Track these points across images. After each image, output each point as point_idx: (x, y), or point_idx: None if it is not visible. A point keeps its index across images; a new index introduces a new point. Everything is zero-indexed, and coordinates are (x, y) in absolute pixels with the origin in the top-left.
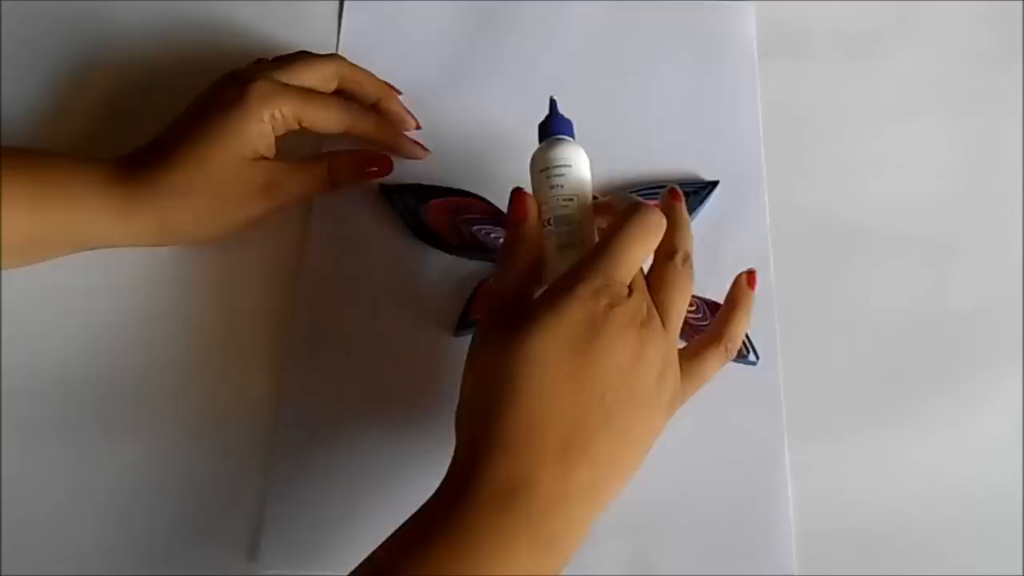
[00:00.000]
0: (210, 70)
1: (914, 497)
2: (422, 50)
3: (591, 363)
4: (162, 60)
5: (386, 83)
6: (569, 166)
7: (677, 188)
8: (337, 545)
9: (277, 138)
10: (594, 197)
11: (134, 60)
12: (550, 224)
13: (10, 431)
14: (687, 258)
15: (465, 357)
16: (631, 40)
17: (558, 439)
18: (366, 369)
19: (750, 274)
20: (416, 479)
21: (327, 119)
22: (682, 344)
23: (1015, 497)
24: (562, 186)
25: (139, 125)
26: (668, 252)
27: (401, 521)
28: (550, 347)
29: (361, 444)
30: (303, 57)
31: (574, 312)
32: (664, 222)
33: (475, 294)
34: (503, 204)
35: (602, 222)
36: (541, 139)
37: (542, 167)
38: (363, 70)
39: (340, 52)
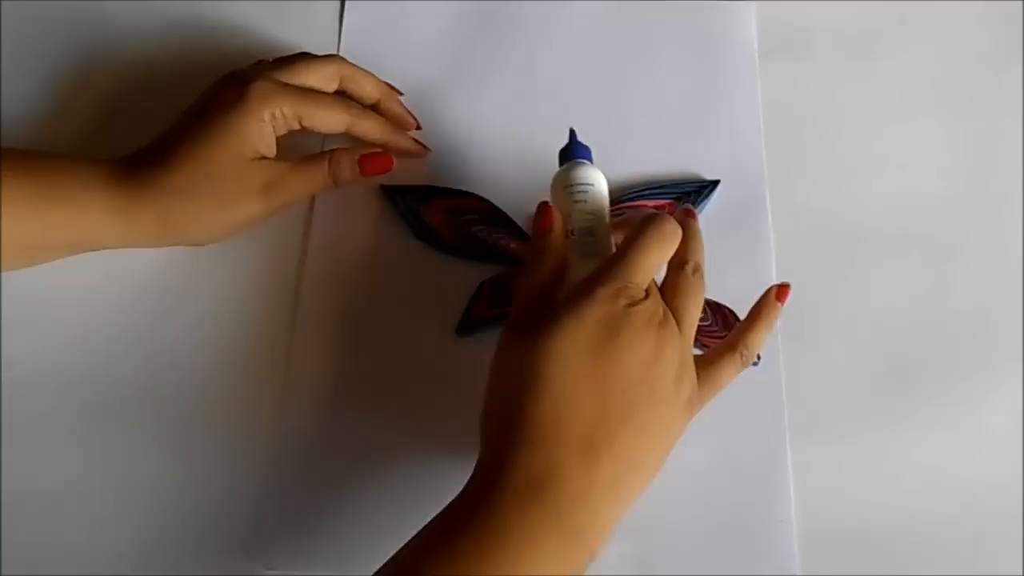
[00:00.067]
0: (211, 70)
1: (915, 497)
2: (423, 50)
3: (612, 360)
4: (162, 60)
5: (387, 83)
6: (592, 185)
7: (691, 207)
8: (337, 545)
9: (278, 138)
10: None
11: (135, 61)
12: (573, 235)
13: (11, 432)
14: (698, 269)
15: (466, 358)
16: (631, 40)
17: (582, 435)
18: (367, 369)
19: (781, 288)
20: (417, 479)
21: (327, 118)
22: (696, 352)
23: (1015, 497)
24: (585, 201)
25: (140, 126)
26: (680, 262)
27: (401, 520)
28: (572, 346)
29: (362, 444)
30: (304, 58)
31: (594, 312)
32: (679, 231)
33: (477, 294)
34: (505, 205)
35: (618, 237)
36: (562, 162)
37: (566, 184)
38: (363, 71)
39: (341, 52)
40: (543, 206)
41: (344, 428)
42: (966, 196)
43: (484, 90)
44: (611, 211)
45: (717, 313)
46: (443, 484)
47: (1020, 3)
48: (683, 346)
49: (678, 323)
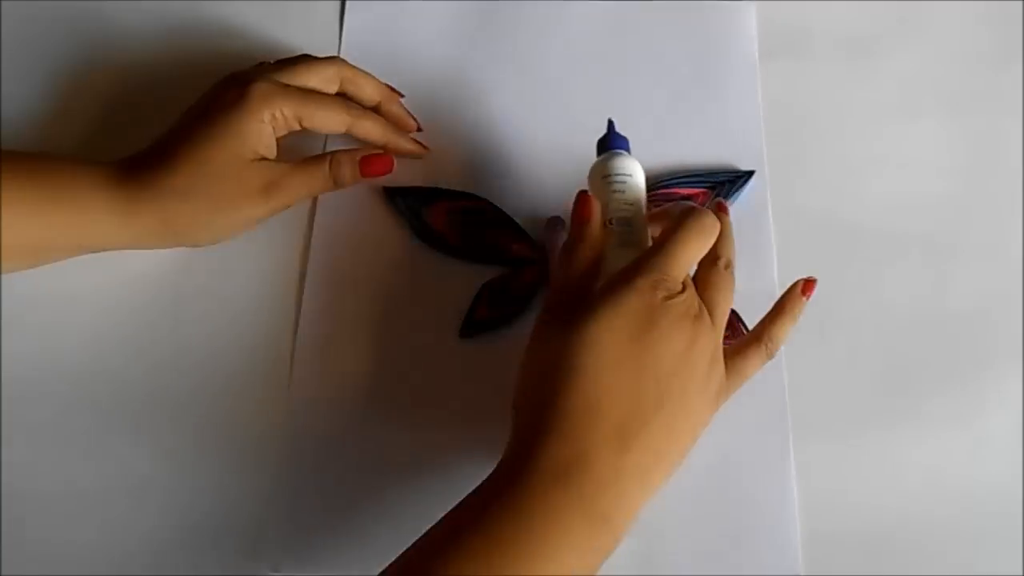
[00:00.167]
0: (211, 72)
1: (917, 496)
2: (424, 51)
3: (647, 350)
4: (163, 62)
5: (387, 85)
6: (630, 175)
7: (724, 201)
8: (343, 546)
9: (278, 139)
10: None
11: (135, 62)
12: (611, 224)
13: (13, 433)
14: (729, 264)
15: (469, 359)
16: (632, 40)
17: (613, 421)
18: (372, 371)
19: (808, 282)
20: (422, 480)
21: (327, 119)
22: None
23: (1016, 496)
24: (623, 192)
25: (140, 127)
26: (712, 258)
27: (406, 521)
28: (608, 334)
29: (366, 445)
30: (304, 60)
31: (632, 302)
32: (718, 226)
33: (479, 296)
34: (506, 206)
35: (655, 230)
36: (600, 152)
37: (604, 174)
38: (364, 72)
39: (342, 53)
40: (582, 195)
41: (349, 430)
42: (966, 196)
43: (485, 91)
44: (648, 194)
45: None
46: (448, 484)
47: (1020, 3)
48: (715, 339)
49: (712, 311)
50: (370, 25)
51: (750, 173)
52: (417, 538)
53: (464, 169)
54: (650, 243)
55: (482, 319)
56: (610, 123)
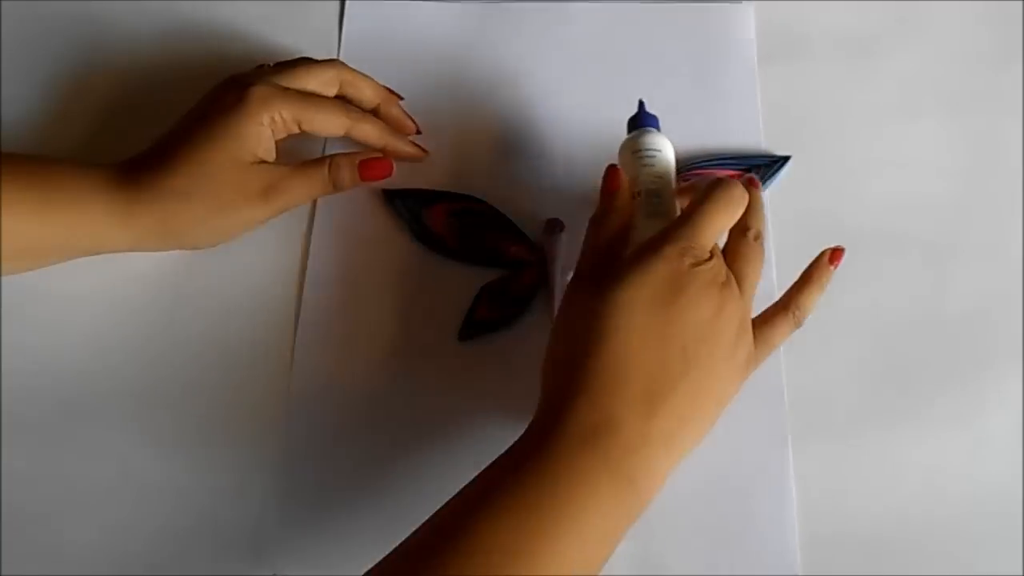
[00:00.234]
0: (211, 74)
1: (916, 497)
2: (423, 53)
3: (674, 317)
4: (163, 64)
5: (386, 88)
6: (660, 151)
7: (755, 176)
8: (342, 547)
9: (277, 142)
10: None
11: (135, 65)
12: (639, 196)
13: (14, 433)
14: (759, 236)
15: (468, 361)
16: (631, 42)
17: (640, 386)
18: (371, 373)
19: (835, 251)
20: (420, 479)
21: (326, 122)
22: None
23: (1016, 497)
24: (653, 166)
25: (140, 130)
26: (742, 229)
27: (406, 522)
28: (637, 299)
29: (365, 447)
30: (304, 63)
31: (660, 269)
32: (746, 197)
33: (479, 298)
34: (505, 208)
35: (684, 203)
36: (630, 130)
37: (634, 150)
38: (363, 75)
39: (341, 55)
40: (611, 168)
41: (348, 432)
42: (966, 197)
43: (484, 92)
44: (678, 179)
45: None
46: (447, 485)
47: (1020, 3)
48: (743, 308)
49: (739, 286)
50: (370, 27)
51: (786, 158)
52: (451, 497)
53: (463, 171)
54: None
55: (481, 321)
56: (641, 103)
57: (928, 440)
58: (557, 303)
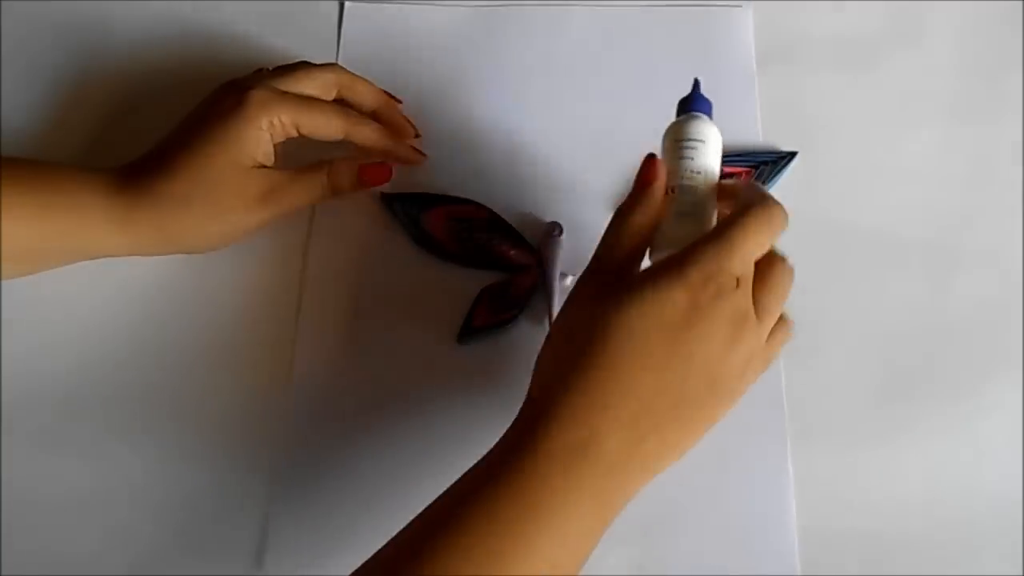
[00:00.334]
0: (210, 78)
1: (915, 501)
2: (422, 56)
3: (682, 349)
4: (162, 69)
5: (385, 92)
6: (704, 142)
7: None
8: (340, 548)
9: (276, 146)
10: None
11: (133, 69)
12: (673, 192)
13: (14, 437)
14: (791, 263)
15: (467, 365)
16: (630, 46)
17: (631, 410)
18: (371, 376)
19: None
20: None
21: (325, 126)
22: None
23: (1016, 503)
24: (693, 159)
25: (139, 134)
26: (777, 255)
27: (405, 524)
28: (648, 322)
29: (366, 449)
30: (302, 67)
31: (677, 295)
32: (787, 219)
33: (478, 302)
34: (504, 211)
35: (724, 208)
36: (679, 113)
37: (676, 138)
38: (362, 79)
39: (340, 58)
40: (650, 158)
41: (348, 435)
42: (966, 203)
43: (483, 96)
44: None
45: None
46: (445, 487)
47: (1020, 11)
48: (758, 341)
49: (760, 313)
50: (368, 30)
51: (793, 154)
52: (431, 502)
53: (462, 175)
54: (714, 220)
55: (480, 325)
56: (696, 82)
57: (927, 443)
58: (556, 307)
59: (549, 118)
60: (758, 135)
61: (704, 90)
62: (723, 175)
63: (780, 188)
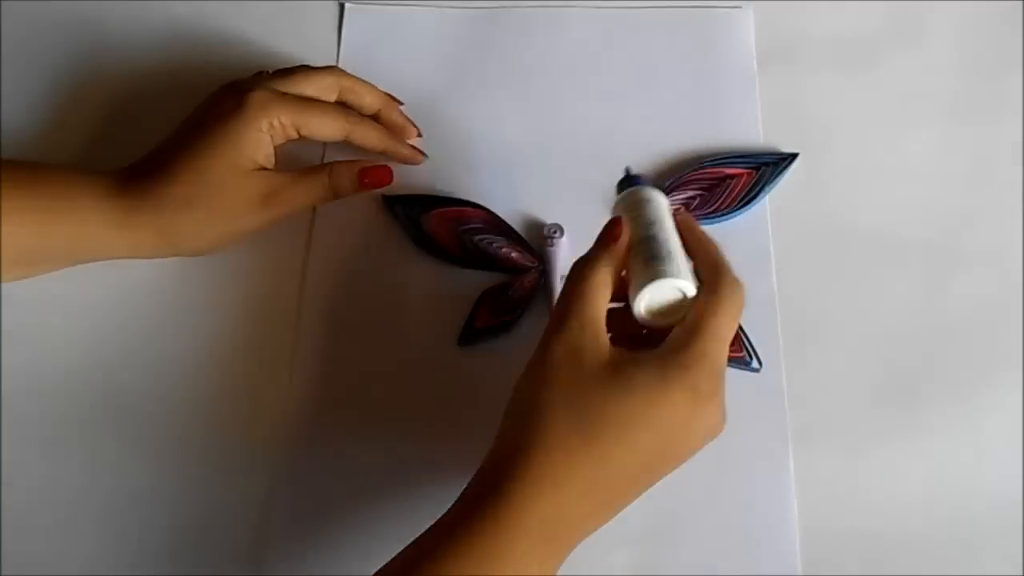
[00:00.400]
0: (209, 80)
1: (917, 499)
2: (423, 58)
3: (668, 447)
4: (161, 71)
5: (386, 93)
6: (650, 201)
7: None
8: (339, 552)
9: (277, 148)
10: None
11: (133, 72)
12: (636, 246)
13: (14, 440)
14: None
15: (468, 367)
16: (630, 46)
17: (605, 486)
18: (371, 379)
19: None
20: (420, 485)
21: (326, 127)
22: None
23: (1017, 505)
24: (643, 214)
25: (139, 137)
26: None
27: (403, 528)
28: (648, 412)
29: (365, 453)
30: (303, 70)
31: (679, 398)
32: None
33: (479, 304)
34: (504, 213)
35: (689, 236)
36: (620, 191)
37: (625, 204)
38: (363, 82)
39: (340, 60)
40: (615, 220)
41: (349, 437)
42: (966, 203)
43: (484, 98)
44: (688, 174)
45: None
46: (446, 492)
47: (1020, 11)
48: (720, 423)
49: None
50: (368, 32)
51: (794, 155)
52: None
53: (463, 176)
54: (682, 253)
55: (481, 327)
56: (627, 170)
57: (928, 444)
58: None
59: (550, 119)
60: (759, 136)
61: (705, 91)
62: (725, 176)
63: (781, 189)
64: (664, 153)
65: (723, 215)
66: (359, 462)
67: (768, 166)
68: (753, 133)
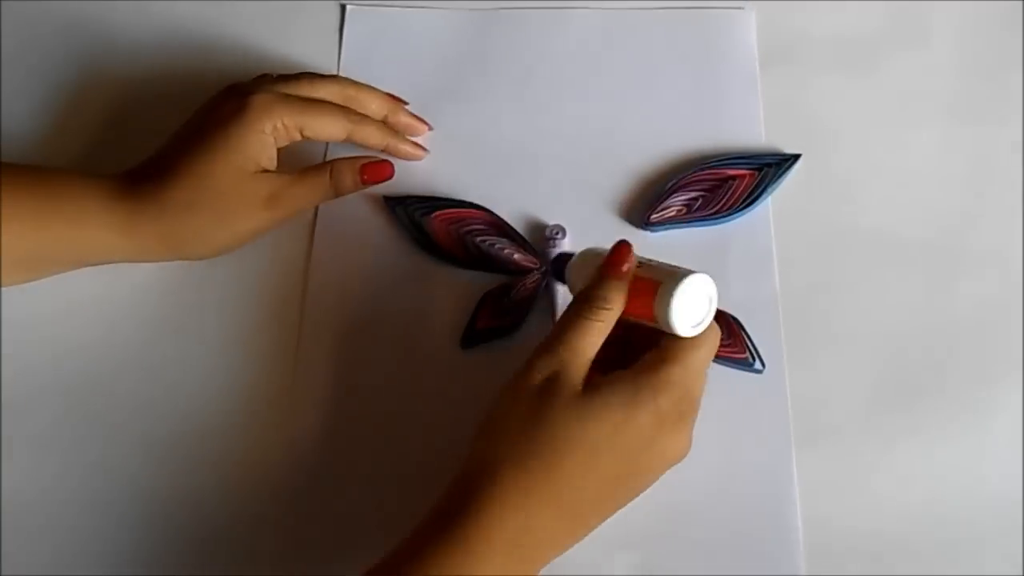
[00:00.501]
0: (211, 82)
1: (919, 501)
2: (424, 58)
3: (634, 468)
4: (163, 73)
5: (390, 96)
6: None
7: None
8: (342, 553)
9: (279, 150)
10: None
11: (134, 75)
12: (641, 269)
13: (15, 441)
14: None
15: (470, 369)
16: (632, 48)
17: (572, 505)
18: (372, 381)
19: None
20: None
21: (328, 128)
22: None
23: (1017, 503)
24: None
25: (140, 139)
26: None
27: (405, 529)
28: (615, 442)
29: (369, 452)
30: (307, 76)
31: (645, 420)
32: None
33: (481, 306)
34: (506, 214)
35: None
36: (564, 275)
37: (585, 259)
38: (367, 89)
39: (342, 61)
40: (622, 243)
41: (350, 438)
42: (968, 204)
43: (486, 98)
44: (691, 175)
45: (722, 322)
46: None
47: (1021, 11)
48: (687, 441)
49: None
50: (370, 33)
51: (796, 156)
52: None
53: (464, 178)
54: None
55: (483, 329)
56: (560, 255)
57: (931, 444)
58: (559, 311)
59: (552, 120)
60: (761, 136)
61: (707, 92)
62: (728, 177)
63: (783, 190)
64: (666, 154)
65: (725, 216)
66: (361, 462)
67: (770, 167)
68: (755, 134)
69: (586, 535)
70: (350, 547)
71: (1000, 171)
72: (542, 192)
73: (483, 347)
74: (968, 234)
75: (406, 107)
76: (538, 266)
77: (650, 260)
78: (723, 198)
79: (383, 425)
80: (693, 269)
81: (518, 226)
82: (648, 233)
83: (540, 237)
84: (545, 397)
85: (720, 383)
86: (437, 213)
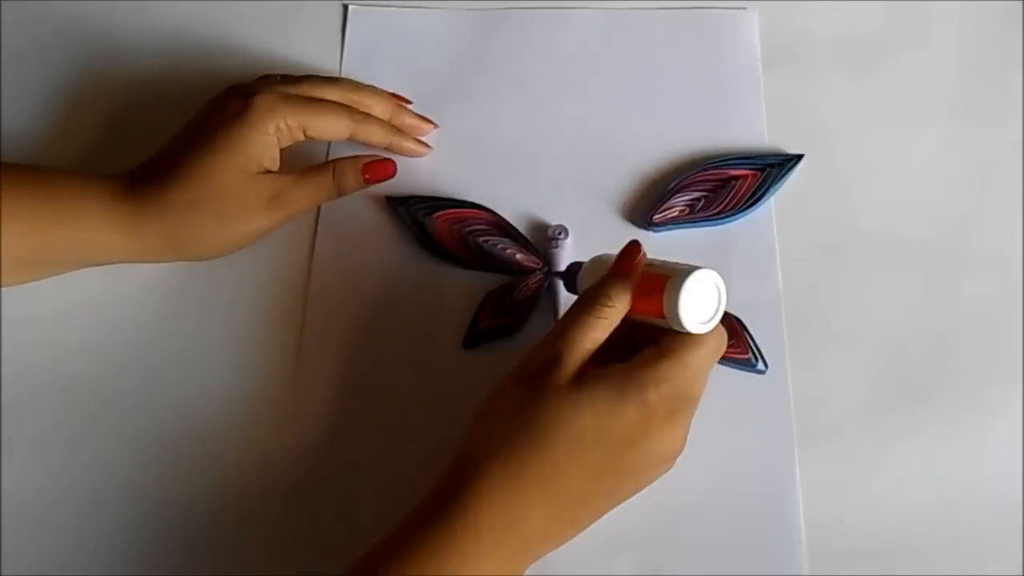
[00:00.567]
0: (213, 82)
1: (921, 501)
2: (426, 58)
3: (620, 463)
4: (165, 74)
5: (394, 96)
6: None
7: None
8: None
9: (283, 150)
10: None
11: (136, 74)
12: (651, 268)
13: (16, 441)
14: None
15: (472, 369)
16: (633, 48)
17: (559, 503)
18: (375, 381)
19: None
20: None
21: (331, 127)
22: None
23: (1018, 503)
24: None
25: (142, 140)
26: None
27: None
28: (601, 433)
29: (370, 455)
30: (310, 79)
31: (632, 413)
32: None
33: (483, 306)
34: (508, 214)
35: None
36: (575, 284)
37: (597, 264)
38: (371, 91)
39: (344, 61)
40: (633, 243)
41: (352, 439)
42: (970, 204)
43: (488, 98)
44: (693, 176)
45: (726, 323)
46: None
47: (1021, 12)
48: (680, 441)
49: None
50: (372, 33)
51: (799, 157)
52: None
53: (467, 178)
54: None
55: (485, 329)
56: (570, 264)
57: (933, 444)
58: (561, 311)
59: (554, 121)
60: (763, 137)
61: (709, 92)
62: (730, 177)
63: (786, 190)
64: (669, 154)
65: (728, 216)
66: (362, 463)
67: (773, 167)
68: (758, 134)
69: (576, 533)
70: (353, 547)
71: (1001, 171)
72: (544, 192)
73: (485, 347)
74: (969, 234)
75: (410, 107)
76: (540, 266)
77: (663, 261)
78: (726, 198)
79: (385, 425)
80: (703, 265)
81: (520, 226)
82: (651, 233)
83: (542, 237)
84: (534, 388)
85: (723, 383)
86: (439, 213)
